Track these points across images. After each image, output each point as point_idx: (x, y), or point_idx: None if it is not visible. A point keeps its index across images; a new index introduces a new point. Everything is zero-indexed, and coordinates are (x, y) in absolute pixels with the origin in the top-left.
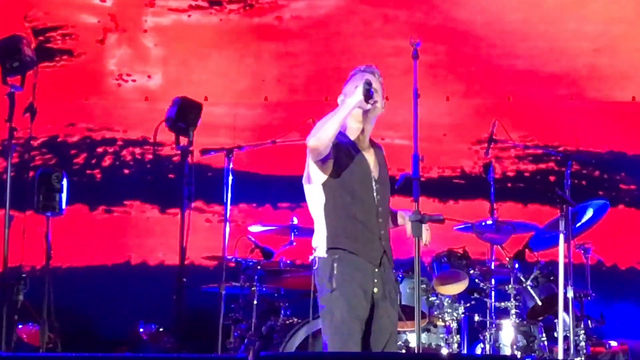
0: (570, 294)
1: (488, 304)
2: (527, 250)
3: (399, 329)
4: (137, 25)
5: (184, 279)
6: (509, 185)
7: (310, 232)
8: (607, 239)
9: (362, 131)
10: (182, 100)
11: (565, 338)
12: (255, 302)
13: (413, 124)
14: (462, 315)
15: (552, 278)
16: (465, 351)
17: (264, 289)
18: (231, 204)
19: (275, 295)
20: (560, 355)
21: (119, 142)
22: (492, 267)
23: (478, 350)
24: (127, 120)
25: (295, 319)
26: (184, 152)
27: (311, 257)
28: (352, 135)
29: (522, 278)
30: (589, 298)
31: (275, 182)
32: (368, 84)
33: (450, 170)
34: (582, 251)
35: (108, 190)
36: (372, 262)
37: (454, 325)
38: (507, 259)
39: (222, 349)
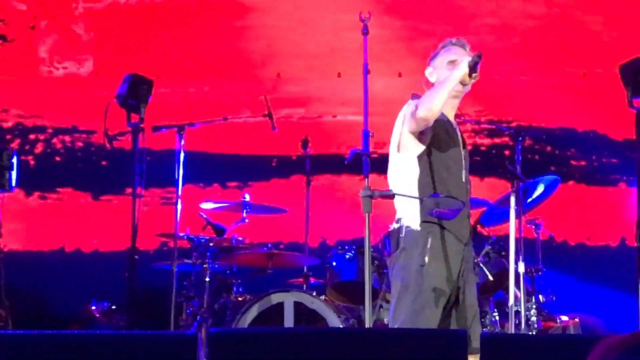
0: (521, 269)
1: None
2: (478, 225)
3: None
4: (66, 12)
5: (136, 257)
6: None
7: (261, 209)
8: (558, 215)
9: (454, 107)
10: (133, 76)
11: (517, 313)
12: (207, 279)
13: (363, 100)
14: None
15: (503, 253)
16: None
17: (216, 266)
18: (174, 186)
19: (228, 272)
20: (512, 330)
21: (49, 129)
22: None
23: None
24: (57, 108)
25: (248, 296)
26: (135, 130)
27: (394, 227)
28: (445, 110)
29: (473, 253)
30: (540, 273)
31: (224, 161)
32: (479, 57)
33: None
34: (533, 226)
35: (43, 177)
36: (461, 240)
37: None
38: None
39: (175, 326)
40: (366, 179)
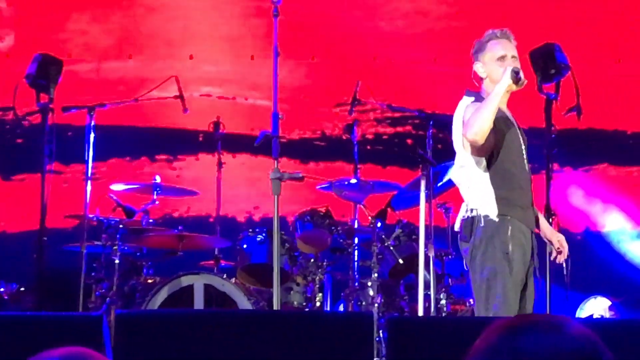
0: (431, 253)
1: (351, 262)
2: (389, 209)
3: None
4: None
5: (45, 238)
6: (368, 147)
7: (172, 190)
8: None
9: (506, 102)
10: (43, 56)
11: (427, 296)
12: (117, 261)
13: (273, 82)
14: (325, 274)
15: (413, 237)
16: (328, 309)
17: (126, 248)
18: (99, 161)
19: (138, 254)
20: (421, 313)
21: None
22: (356, 225)
23: (340, 309)
24: None
25: (158, 278)
26: (44, 110)
27: (467, 215)
28: (502, 105)
29: (384, 237)
30: (450, 257)
31: (151, 135)
32: (515, 72)
33: (311, 132)
34: (443, 210)
35: None
36: (530, 227)
37: (317, 283)
38: (370, 217)
39: (84, 308)
40: (275, 161)
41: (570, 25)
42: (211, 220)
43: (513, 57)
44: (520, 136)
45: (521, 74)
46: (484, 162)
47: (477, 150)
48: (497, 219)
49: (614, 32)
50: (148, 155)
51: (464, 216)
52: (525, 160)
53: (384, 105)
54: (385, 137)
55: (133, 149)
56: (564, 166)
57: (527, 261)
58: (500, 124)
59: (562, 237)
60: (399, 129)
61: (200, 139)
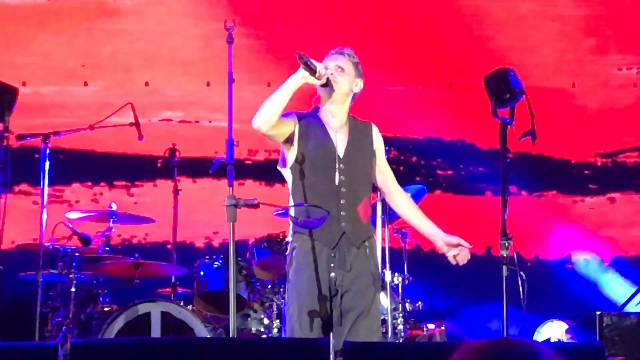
0: (388, 278)
1: None
2: None
3: None
4: None
5: (0, 267)
6: None
7: (128, 218)
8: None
9: (332, 111)
10: None
11: (384, 321)
12: (73, 289)
13: (228, 109)
14: (283, 300)
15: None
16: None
17: (82, 276)
18: (62, 185)
19: (94, 282)
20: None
21: None
22: None
23: None
24: None
25: (114, 306)
26: None
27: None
28: (324, 115)
29: None
30: (407, 282)
31: (111, 161)
32: (300, 57)
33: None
34: (400, 235)
35: None
36: (327, 246)
37: (275, 310)
38: None
39: (40, 337)
40: (230, 188)
41: (525, 51)
42: (169, 247)
43: (337, 66)
44: (337, 147)
45: (315, 64)
46: (289, 174)
47: (287, 146)
48: (290, 240)
49: (568, 58)
50: (106, 181)
51: None
52: (337, 173)
53: None
54: None
55: (90, 174)
56: (521, 189)
57: (323, 282)
58: (309, 135)
59: (454, 239)
60: None
61: (159, 165)
